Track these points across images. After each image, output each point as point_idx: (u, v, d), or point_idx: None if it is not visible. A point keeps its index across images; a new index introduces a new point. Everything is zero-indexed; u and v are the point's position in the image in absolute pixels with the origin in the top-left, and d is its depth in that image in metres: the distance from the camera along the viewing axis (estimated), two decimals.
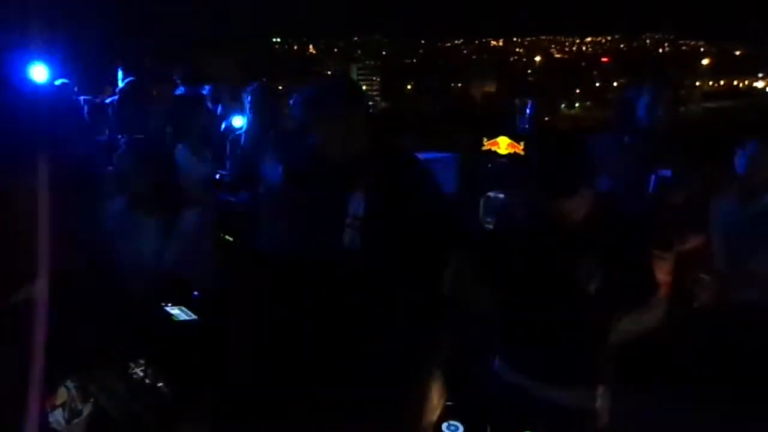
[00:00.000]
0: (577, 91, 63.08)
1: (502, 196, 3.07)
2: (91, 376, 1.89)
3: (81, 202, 2.10)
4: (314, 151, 2.10)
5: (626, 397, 2.44)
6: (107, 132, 3.85)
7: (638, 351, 2.40)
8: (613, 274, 1.68)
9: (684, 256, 2.48)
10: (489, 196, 3.13)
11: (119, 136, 3.13)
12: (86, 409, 1.83)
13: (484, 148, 3.23)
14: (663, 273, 2.38)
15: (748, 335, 2.18)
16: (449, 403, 1.45)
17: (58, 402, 1.63)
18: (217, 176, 3.71)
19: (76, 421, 1.68)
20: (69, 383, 1.70)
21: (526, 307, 1.84)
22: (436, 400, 2.01)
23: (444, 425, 1.40)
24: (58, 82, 4.14)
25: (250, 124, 3.39)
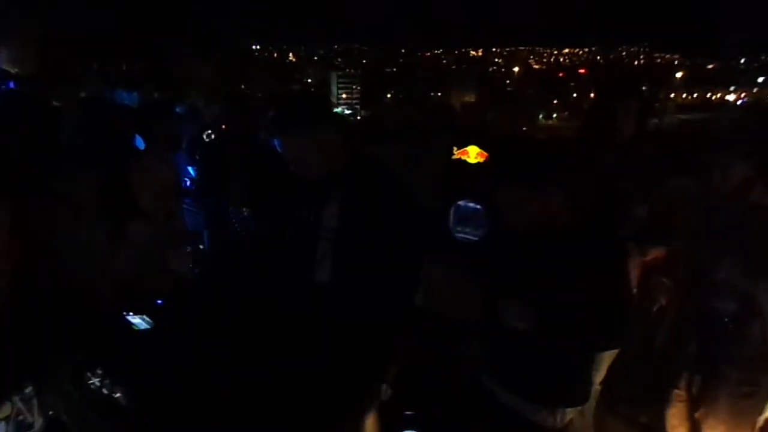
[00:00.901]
0: (555, 101, 63.99)
1: (472, 205, 3.08)
2: (47, 387, 1.85)
3: (33, 209, 2.05)
4: (287, 166, 2.10)
5: None
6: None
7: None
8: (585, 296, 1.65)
9: (648, 266, 2.52)
10: (459, 205, 3.15)
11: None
12: (38, 423, 1.79)
13: (454, 157, 3.25)
14: None
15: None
16: (408, 413, 1.44)
17: (1, 416, 1.58)
18: (188, 183, 3.65)
19: None
20: (14, 398, 1.64)
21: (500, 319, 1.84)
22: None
23: None
24: None
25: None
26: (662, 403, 2.30)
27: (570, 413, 1.81)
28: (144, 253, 2.32)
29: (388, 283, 1.96)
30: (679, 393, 2.26)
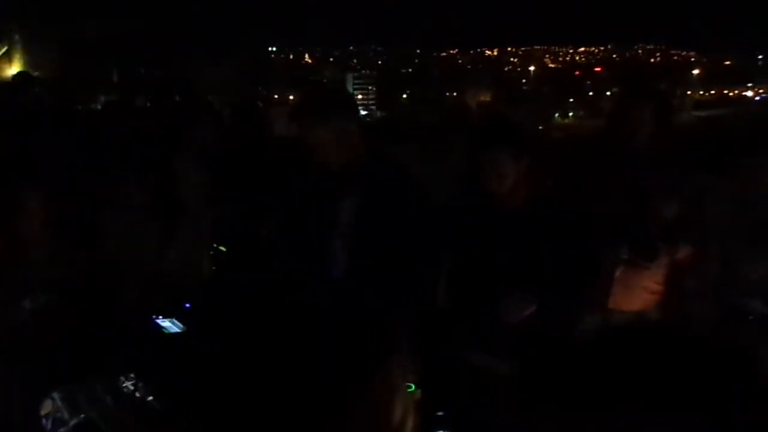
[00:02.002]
0: (571, 100, 63.34)
1: None
2: (79, 388, 1.88)
3: (77, 215, 2.09)
4: (305, 160, 2.11)
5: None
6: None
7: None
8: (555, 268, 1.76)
9: (678, 266, 2.49)
10: None
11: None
12: (73, 420, 1.82)
13: None
14: (649, 282, 2.39)
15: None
16: (440, 413, 1.44)
17: (43, 412, 1.62)
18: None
19: (61, 430, 1.67)
20: (55, 395, 1.69)
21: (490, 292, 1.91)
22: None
23: None
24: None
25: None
26: None
27: None
28: (184, 253, 2.37)
29: (404, 281, 1.97)
30: None
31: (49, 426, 1.66)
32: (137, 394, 1.91)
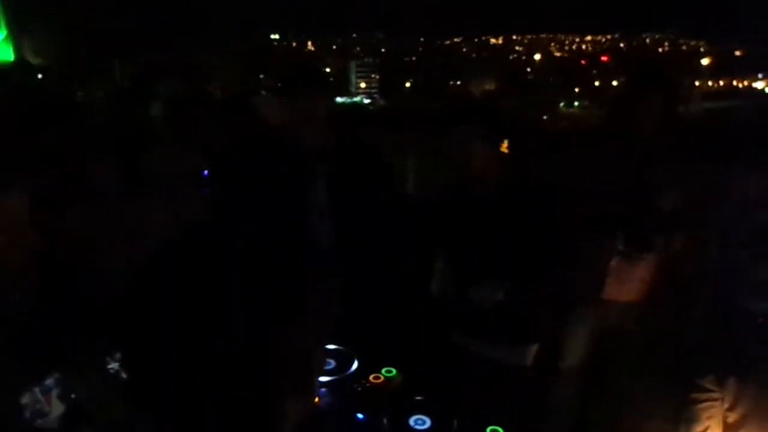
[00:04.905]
0: (577, 89, 63.10)
1: None
2: (70, 375, 1.88)
3: (58, 200, 2.07)
4: (276, 140, 2.17)
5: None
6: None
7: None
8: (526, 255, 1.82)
9: (674, 256, 2.46)
10: None
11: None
12: (56, 411, 1.81)
13: None
14: (643, 274, 2.36)
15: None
16: (418, 398, 1.43)
17: (22, 402, 1.61)
18: (206, 172, 3.67)
19: (39, 421, 1.66)
20: (36, 389, 1.68)
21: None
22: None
23: (411, 420, 1.38)
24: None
25: None
26: (689, 400, 2.25)
27: (533, 349, 1.97)
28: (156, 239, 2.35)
29: (384, 259, 2.03)
30: (710, 392, 2.18)
31: (28, 416, 1.64)
32: (122, 375, 1.91)
